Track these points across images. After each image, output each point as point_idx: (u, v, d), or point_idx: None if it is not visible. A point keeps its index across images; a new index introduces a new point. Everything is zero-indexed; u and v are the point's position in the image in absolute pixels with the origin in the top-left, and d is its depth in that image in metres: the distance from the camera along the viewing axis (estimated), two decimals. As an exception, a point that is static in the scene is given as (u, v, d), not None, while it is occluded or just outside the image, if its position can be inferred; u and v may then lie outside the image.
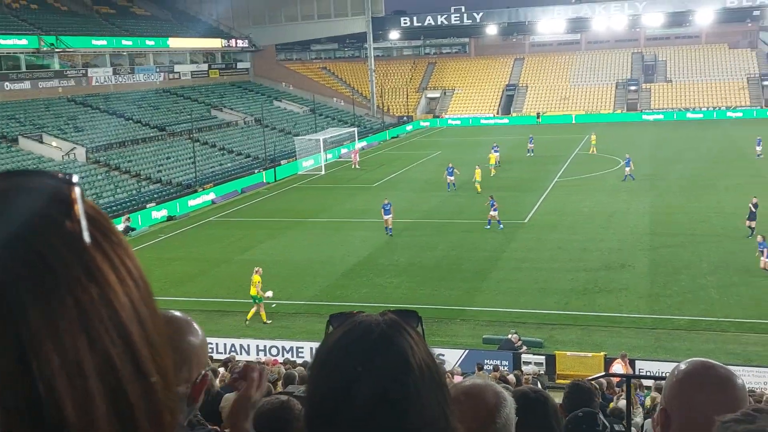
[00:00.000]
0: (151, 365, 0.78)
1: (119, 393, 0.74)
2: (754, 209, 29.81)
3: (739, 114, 74.70)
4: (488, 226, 32.86)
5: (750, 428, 1.31)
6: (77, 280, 0.73)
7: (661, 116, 76.70)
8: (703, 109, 77.32)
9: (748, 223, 29.70)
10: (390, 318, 1.23)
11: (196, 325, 1.96)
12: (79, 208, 0.75)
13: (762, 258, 24.92)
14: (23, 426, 0.71)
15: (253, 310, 23.68)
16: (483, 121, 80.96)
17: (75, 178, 0.76)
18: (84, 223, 0.75)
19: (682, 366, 1.99)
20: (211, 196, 44.04)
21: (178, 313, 1.98)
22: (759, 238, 25.74)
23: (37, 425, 0.71)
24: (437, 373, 1.21)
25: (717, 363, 1.99)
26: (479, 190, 39.99)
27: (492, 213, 32.87)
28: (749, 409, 1.39)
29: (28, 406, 0.71)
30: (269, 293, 23.68)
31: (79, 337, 0.72)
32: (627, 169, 43.07)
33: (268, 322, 23.58)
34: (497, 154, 49.58)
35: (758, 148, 48.66)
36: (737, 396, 1.87)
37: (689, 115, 76.27)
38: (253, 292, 23.57)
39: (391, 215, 32.69)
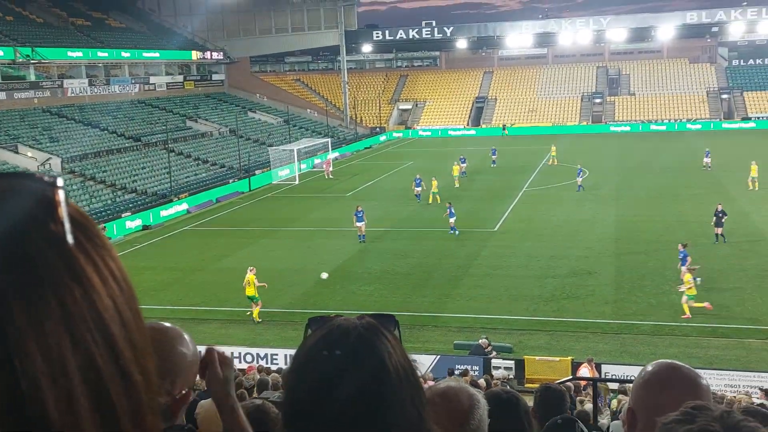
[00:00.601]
0: (134, 366, 0.78)
1: (102, 393, 0.74)
2: (720, 216, 30.33)
3: (699, 126, 76.47)
4: (457, 233, 33.52)
5: (691, 428, 1.28)
6: (61, 281, 0.73)
7: (628, 128, 78.24)
8: (665, 121, 79.05)
9: (716, 230, 30.37)
10: (367, 321, 1.25)
11: (190, 342, 1.95)
12: (63, 210, 0.75)
13: (682, 267, 24.64)
14: (8, 424, 0.71)
15: (256, 309, 24.05)
16: (451, 133, 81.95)
17: (59, 182, 0.77)
18: (67, 224, 0.75)
19: (649, 367, 2.02)
20: (186, 205, 44.16)
21: (172, 326, 2.01)
22: (680, 247, 25.75)
23: (22, 424, 0.71)
24: (413, 375, 1.24)
25: (683, 364, 2.03)
26: (438, 200, 40.25)
27: (450, 220, 33.61)
28: (689, 407, 1.34)
29: (14, 405, 0.70)
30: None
31: (62, 337, 0.72)
32: (578, 179, 43.86)
33: (259, 320, 24.08)
34: (464, 165, 50.27)
35: (706, 160, 49.34)
36: (701, 396, 1.88)
37: (653, 126, 77.95)
38: (249, 292, 23.75)
39: (363, 222, 32.98)
